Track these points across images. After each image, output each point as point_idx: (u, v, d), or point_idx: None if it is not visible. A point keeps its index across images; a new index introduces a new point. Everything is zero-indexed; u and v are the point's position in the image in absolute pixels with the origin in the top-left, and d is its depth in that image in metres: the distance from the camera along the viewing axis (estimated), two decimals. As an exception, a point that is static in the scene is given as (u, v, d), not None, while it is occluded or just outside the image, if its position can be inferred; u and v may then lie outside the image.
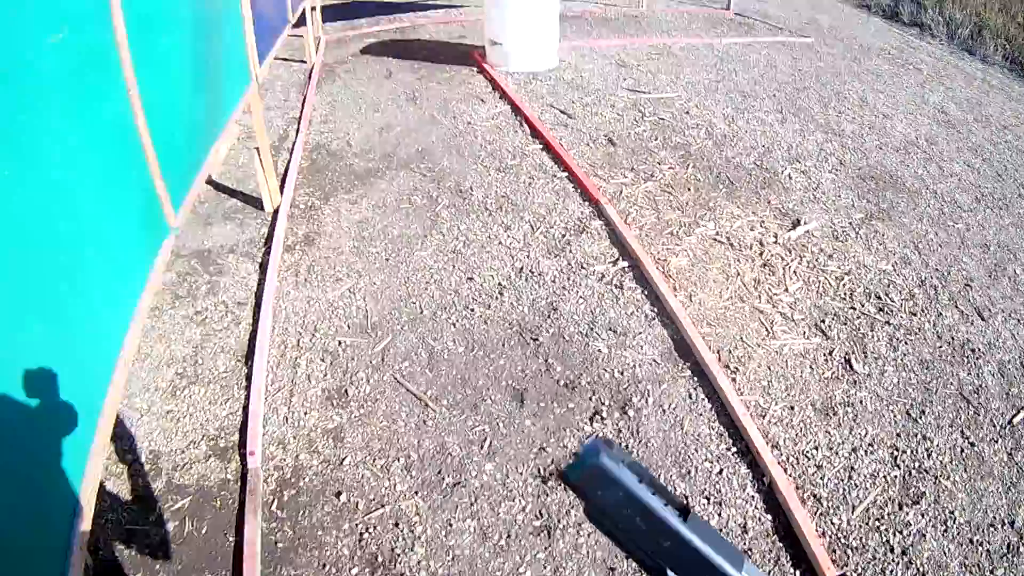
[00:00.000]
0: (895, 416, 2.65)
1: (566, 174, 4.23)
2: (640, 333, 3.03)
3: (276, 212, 4.00)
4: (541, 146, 4.57)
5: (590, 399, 2.69)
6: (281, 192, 4.18)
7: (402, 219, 3.87)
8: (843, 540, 2.19)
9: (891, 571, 2.09)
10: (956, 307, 3.25)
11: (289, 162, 4.48)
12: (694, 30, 7.33)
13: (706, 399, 2.70)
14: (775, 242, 3.65)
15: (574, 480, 0.54)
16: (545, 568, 2.10)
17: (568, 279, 3.33)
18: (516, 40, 5.77)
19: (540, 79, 5.75)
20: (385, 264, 3.51)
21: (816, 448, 2.50)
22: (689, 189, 4.14)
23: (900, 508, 2.29)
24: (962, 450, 2.51)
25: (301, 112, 5.29)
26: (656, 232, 3.72)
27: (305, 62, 6.44)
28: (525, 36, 5.76)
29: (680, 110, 5.19)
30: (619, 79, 5.78)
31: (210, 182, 4.40)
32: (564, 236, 3.67)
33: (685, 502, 0.55)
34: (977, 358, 2.94)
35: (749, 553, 2.16)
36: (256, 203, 4.07)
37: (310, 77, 6.03)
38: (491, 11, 5.89)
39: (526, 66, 5.86)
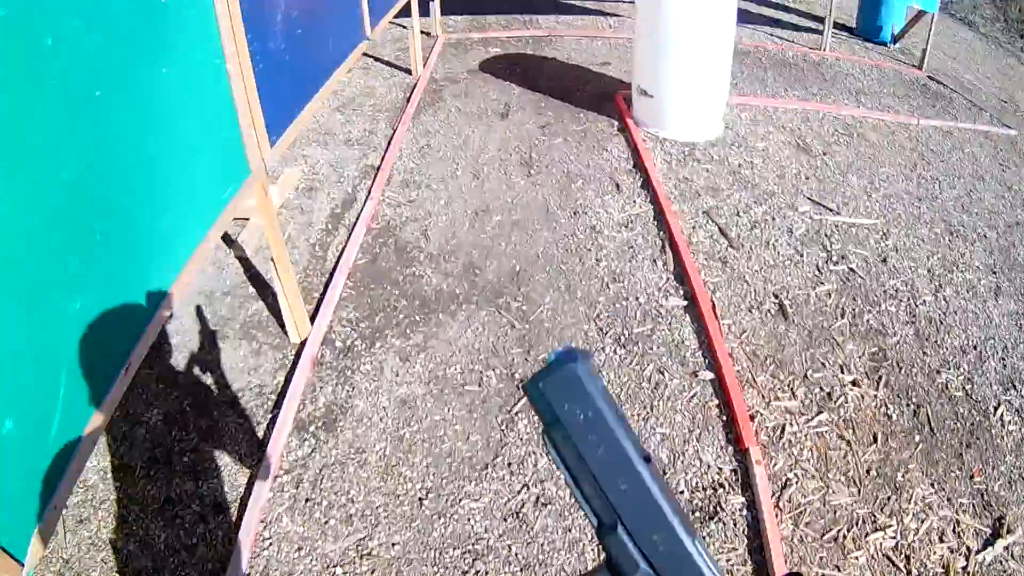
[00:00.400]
0: None
1: (712, 375, 2.76)
2: None
3: (301, 350, 2.78)
4: (685, 302, 3.09)
5: None
6: (320, 303, 2.96)
7: (461, 415, 2.55)
8: None
9: None
10: None
11: (338, 262, 3.20)
12: (885, 97, 5.29)
13: None
14: (964, 568, 2.14)
15: (541, 385, 0.44)
16: None
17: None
18: (673, 96, 4.19)
19: (698, 157, 4.18)
20: (416, 508, 2.23)
21: None
22: (876, 437, 2.60)
23: None
24: None
25: (382, 159, 3.98)
26: (816, 534, 2.24)
27: (411, 72, 5.07)
28: (685, 92, 4.17)
29: (876, 252, 3.50)
30: (799, 176, 4.11)
31: (241, 258, 3.23)
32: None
33: (647, 452, 0.46)
34: None
35: None
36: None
37: (409, 99, 4.68)
38: (642, 52, 4.29)
39: (682, 133, 4.29)
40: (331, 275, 3.11)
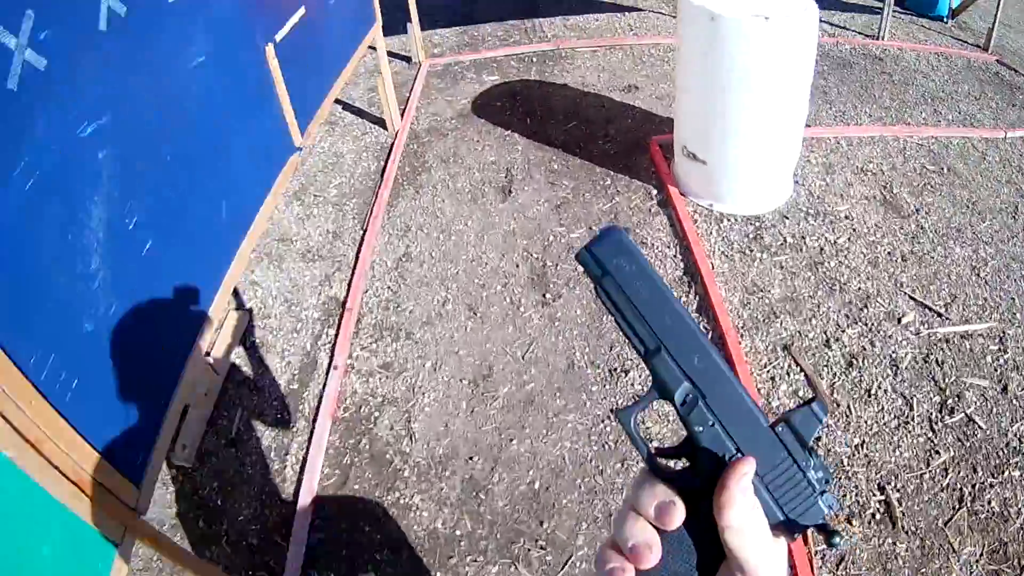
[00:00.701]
0: None
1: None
2: None
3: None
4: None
5: None
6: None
7: None
8: None
9: None
10: None
11: (298, 488, 2.44)
12: (962, 101, 4.42)
13: None
14: None
15: (594, 248, 0.56)
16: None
17: None
18: (733, 163, 3.27)
19: (767, 242, 3.28)
20: None
21: None
22: None
23: None
24: None
25: (349, 286, 3.16)
26: None
27: (385, 125, 4.18)
28: (751, 158, 3.24)
29: (995, 376, 2.67)
30: (895, 256, 3.21)
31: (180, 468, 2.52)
32: None
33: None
34: None
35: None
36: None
37: (384, 172, 3.81)
38: (689, 106, 3.34)
39: (745, 205, 3.38)
40: (293, 507, 2.36)
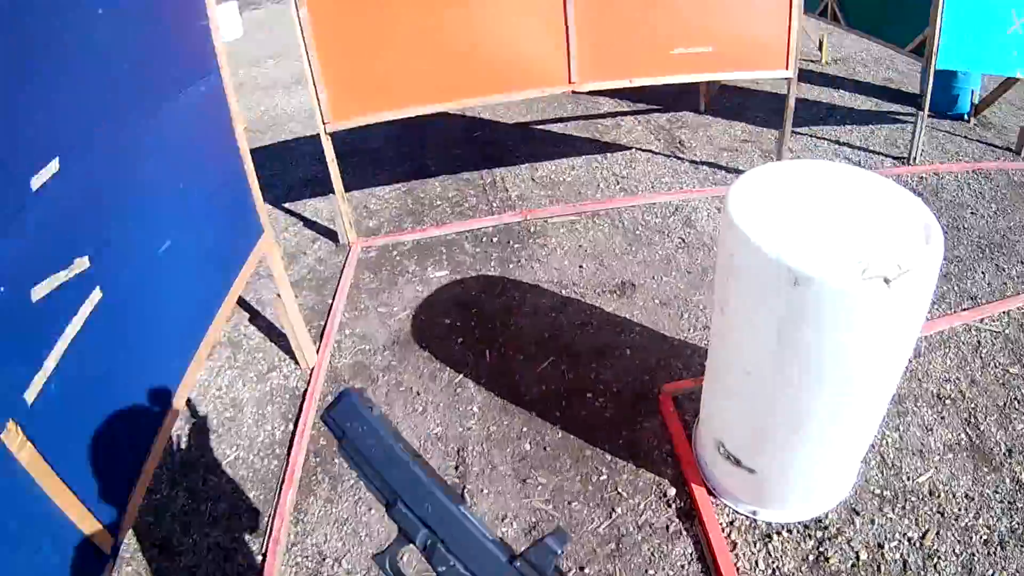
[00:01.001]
0: None
1: None
2: None
3: None
4: None
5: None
6: None
7: None
8: None
9: None
10: None
11: None
12: (1017, 239, 3.80)
13: None
14: None
15: (332, 413, 0.70)
16: None
17: None
18: (794, 468, 2.29)
19: (831, 560, 2.32)
20: None
21: None
22: None
23: None
24: None
25: None
26: None
27: (296, 358, 3.17)
28: (820, 460, 2.27)
29: None
30: (991, 542, 2.33)
31: None
32: None
33: (417, 453, 0.72)
34: None
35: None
36: None
37: (290, 446, 2.79)
38: (733, 388, 2.29)
39: (802, 510, 2.42)
40: None
